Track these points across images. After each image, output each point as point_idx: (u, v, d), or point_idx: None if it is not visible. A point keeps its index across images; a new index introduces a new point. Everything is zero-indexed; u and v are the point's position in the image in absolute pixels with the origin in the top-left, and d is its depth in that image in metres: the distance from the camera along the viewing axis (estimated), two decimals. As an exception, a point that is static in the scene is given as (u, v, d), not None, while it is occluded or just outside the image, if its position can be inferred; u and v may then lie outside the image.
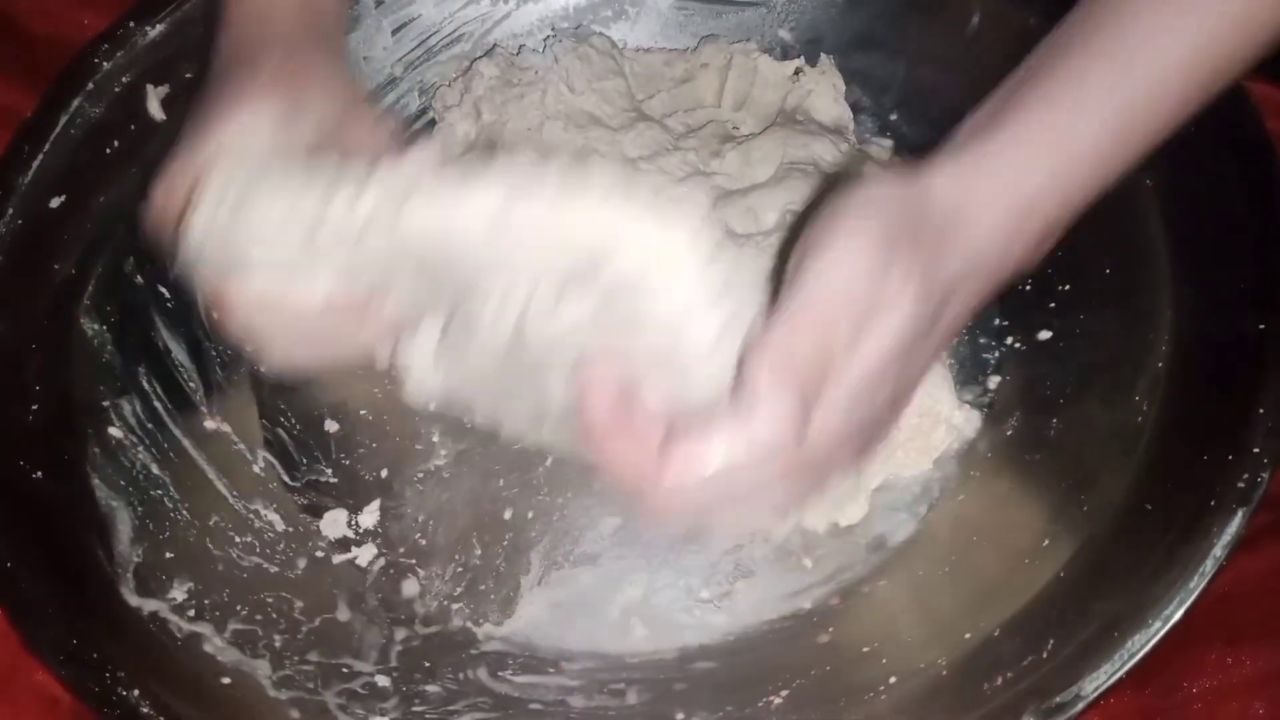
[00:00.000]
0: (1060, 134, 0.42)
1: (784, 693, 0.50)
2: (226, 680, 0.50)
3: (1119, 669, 0.43)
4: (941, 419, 0.56)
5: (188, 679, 0.50)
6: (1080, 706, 0.43)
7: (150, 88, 0.65)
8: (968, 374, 0.59)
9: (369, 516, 0.59)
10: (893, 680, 0.48)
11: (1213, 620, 0.50)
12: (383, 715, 0.50)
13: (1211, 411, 0.49)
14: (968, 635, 0.49)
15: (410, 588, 0.57)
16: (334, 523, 0.59)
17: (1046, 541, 0.50)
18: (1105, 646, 0.44)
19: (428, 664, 0.54)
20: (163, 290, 0.64)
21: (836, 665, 0.51)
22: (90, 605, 0.51)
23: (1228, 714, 0.49)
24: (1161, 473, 0.49)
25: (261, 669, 0.51)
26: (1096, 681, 0.43)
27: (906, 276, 0.39)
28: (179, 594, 0.53)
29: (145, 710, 0.47)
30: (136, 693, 0.47)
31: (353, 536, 0.59)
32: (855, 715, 0.48)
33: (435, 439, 0.61)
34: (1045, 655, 0.45)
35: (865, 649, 0.51)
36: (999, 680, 0.45)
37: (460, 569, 0.57)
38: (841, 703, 0.49)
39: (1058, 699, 0.43)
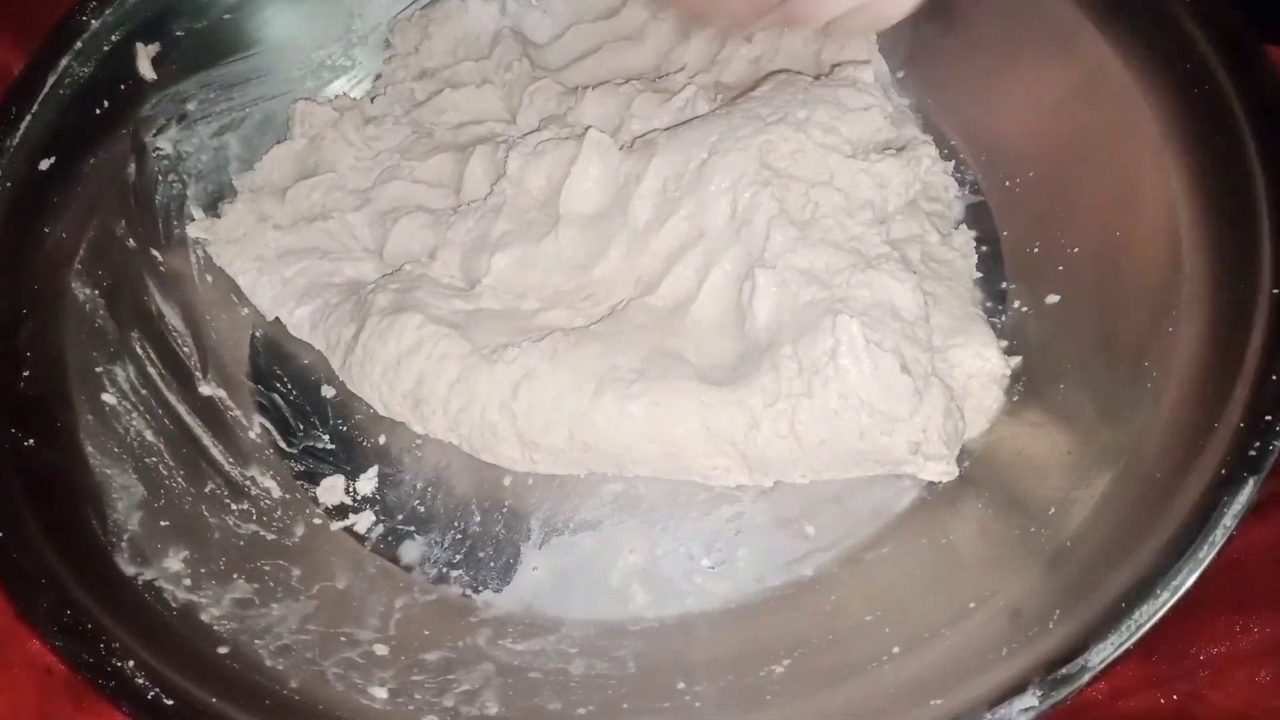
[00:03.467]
0: None
1: (786, 662, 0.49)
2: (224, 650, 0.50)
3: (1126, 640, 0.43)
4: (994, 378, 0.56)
5: (184, 648, 0.49)
6: (1087, 678, 0.42)
7: (140, 46, 0.64)
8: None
9: (367, 483, 0.59)
10: (896, 650, 0.48)
11: (1222, 588, 0.49)
12: (381, 685, 0.50)
13: (1223, 378, 0.48)
14: (972, 605, 0.48)
15: (409, 555, 0.56)
16: (331, 489, 0.58)
17: (1052, 510, 0.50)
18: (1113, 617, 0.43)
19: (427, 632, 0.53)
20: (155, 254, 0.63)
21: (839, 634, 0.50)
22: (84, 574, 0.50)
23: (1235, 681, 0.49)
24: (1172, 440, 0.48)
25: (259, 638, 0.51)
26: (1103, 653, 0.42)
27: None
28: (174, 563, 0.53)
29: (140, 681, 0.46)
30: (132, 663, 0.47)
31: (350, 503, 0.58)
32: (858, 685, 0.47)
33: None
34: (1052, 626, 0.45)
35: (868, 618, 0.50)
36: (1004, 651, 0.45)
37: (459, 536, 0.57)
38: (844, 672, 0.48)
39: (1064, 670, 0.42)
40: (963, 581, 0.49)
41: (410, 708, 0.49)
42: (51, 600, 0.48)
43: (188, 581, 0.52)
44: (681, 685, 0.50)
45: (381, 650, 0.52)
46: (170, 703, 0.46)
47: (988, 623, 0.47)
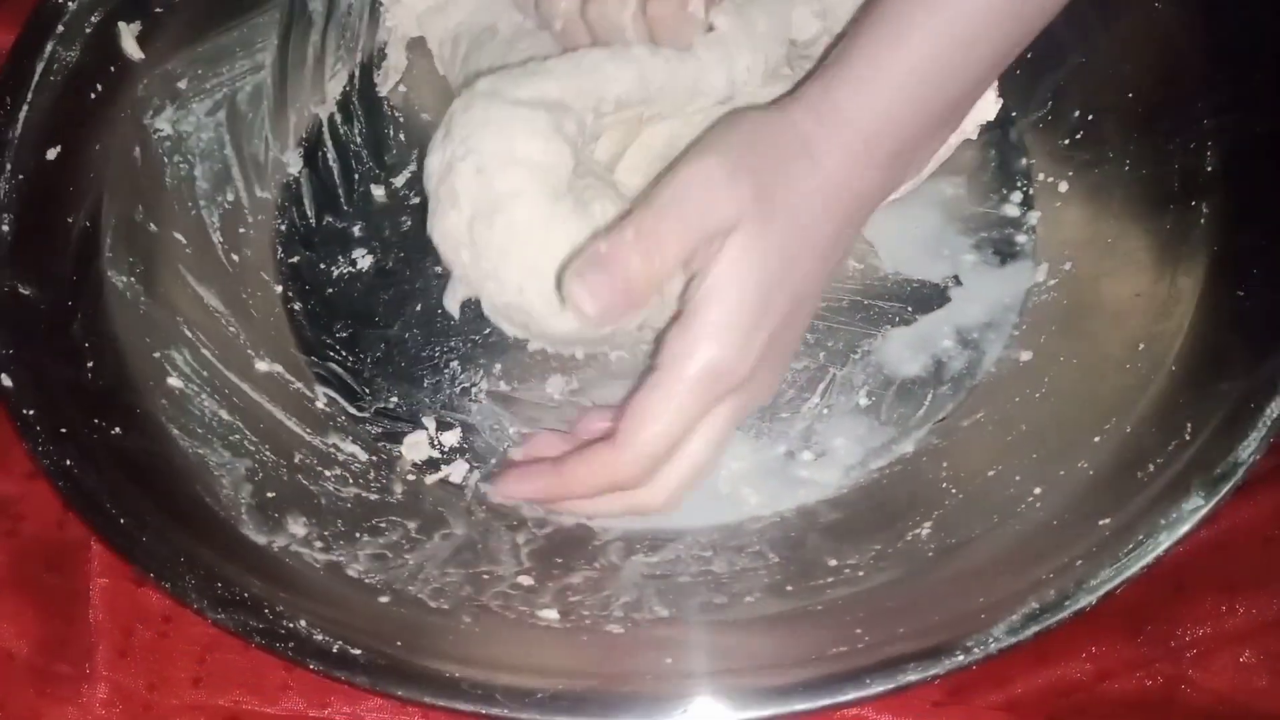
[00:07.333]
0: (889, 73, 0.47)
1: (927, 525, 0.51)
2: (386, 599, 0.49)
3: (1266, 435, 0.46)
4: None
5: (347, 602, 0.48)
6: (1241, 473, 0.45)
7: (123, 25, 0.62)
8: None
9: (451, 434, 0.58)
10: (1038, 490, 0.50)
11: (1207, 568, 0.51)
12: (545, 608, 0.49)
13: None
14: (1097, 439, 0.50)
15: (512, 495, 0.56)
16: (416, 446, 0.58)
17: (1141, 345, 0.53)
18: (1246, 417, 0.47)
19: (560, 560, 0.53)
20: (179, 237, 0.61)
21: (969, 492, 0.52)
22: (220, 547, 0.48)
23: (1220, 663, 0.50)
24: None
25: (411, 585, 0.50)
26: (1249, 449, 0.46)
27: (740, 183, 0.45)
28: (299, 528, 0.51)
29: (320, 637, 0.45)
30: (304, 622, 0.45)
31: (439, 455, 0.57)
32: (1016, 526, 0.49)
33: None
34: (1188, 437, 0.47)
35: (991, 472, 0.52)
36: (1150, 467, 0.47)
37: (557, 469, 0.57)
38: (994, 520, 0.50)
39: (1219, 470, 0.46)
40: (1076, 422, 0.52)
41: (588, 621, 0.49)
42: (199, 577, 0.46)
43: (319, 544, 0.51)
44: (833, 562, 0.51)
45: (528, 581, 0.51)
46: (358, 652, 0.45)
47: (1120, 449, 0.49)
